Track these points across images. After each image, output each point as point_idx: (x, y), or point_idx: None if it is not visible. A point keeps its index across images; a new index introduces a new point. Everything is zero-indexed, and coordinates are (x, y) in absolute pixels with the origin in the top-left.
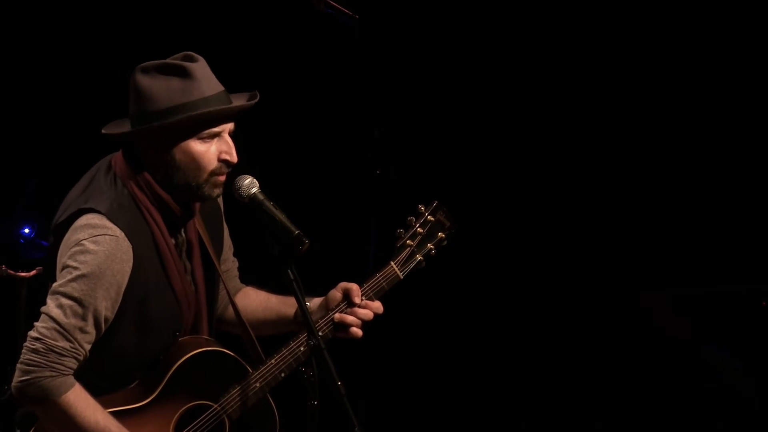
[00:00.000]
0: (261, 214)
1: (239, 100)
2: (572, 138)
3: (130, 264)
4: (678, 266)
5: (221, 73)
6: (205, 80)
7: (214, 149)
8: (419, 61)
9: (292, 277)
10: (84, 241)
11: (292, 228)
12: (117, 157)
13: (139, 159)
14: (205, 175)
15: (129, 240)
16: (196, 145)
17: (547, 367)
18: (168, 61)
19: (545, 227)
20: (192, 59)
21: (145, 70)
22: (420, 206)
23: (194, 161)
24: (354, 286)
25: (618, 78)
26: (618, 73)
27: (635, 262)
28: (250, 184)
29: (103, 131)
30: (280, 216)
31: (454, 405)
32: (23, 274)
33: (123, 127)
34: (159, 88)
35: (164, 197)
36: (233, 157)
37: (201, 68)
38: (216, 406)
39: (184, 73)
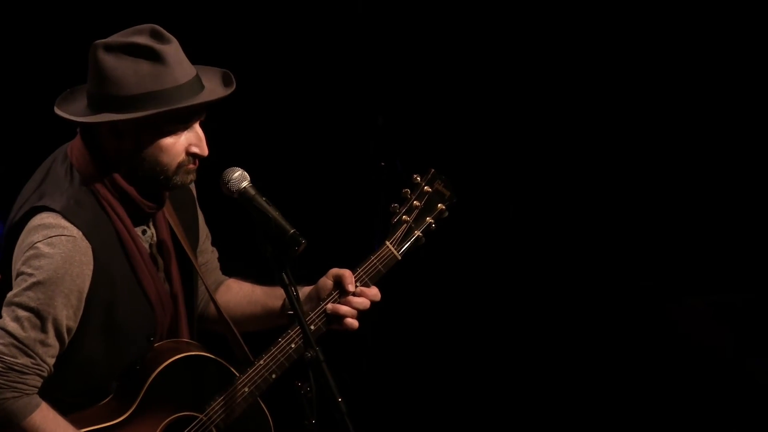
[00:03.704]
0: (252, 211)
1: (210, 81)
2: (587, 134)
3: (91, 266)
4: (716, 271)
5: (217, 56)
6: (178, 65)
7: (183, 140)
8: (425, 43)
9: (287, 281)
10: (38, 244)
11: (287, 227)
12: (74, 146)
13: (98, 147)
14: (173, 168)
15: (88, 239)
16: (165, 138)
17: (567, 374)
18: (136, 41)
19: (557, 219)
20: (162, 39)
21: (110, 49)
22: (415, 176)
23: (161, 154)
24: (346, 272)
25: (625, 74)
26: (624, 68)
27: (667, 264)
28: (239, 177)
29: (56, 111)
30: (274, 213)
31: (459, 412)
32: None
33: (79, 102)
34: (125, 72)
35: (127, 190)
36: (203, 151)
37: (173, 51)
38: (202, 416)
39: (154, 57)
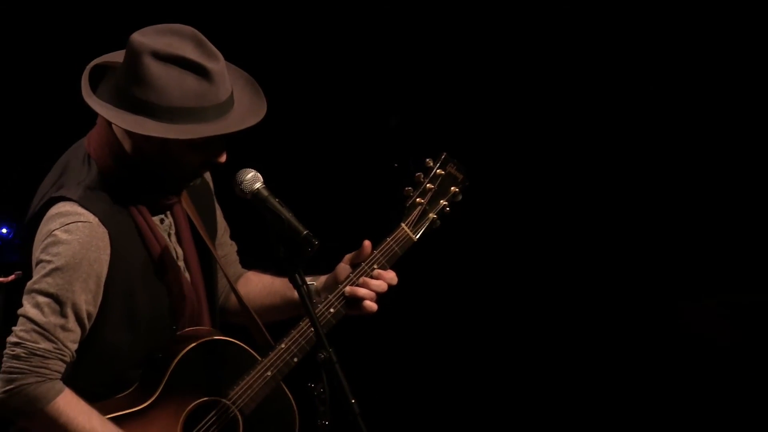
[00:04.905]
0: (265, 212)
1: (238, 89)
2: (603, 134)
3: (108, 251)
4: (729, 272)
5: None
6: (222, 84)
7: (207, 151)
8: (438, 44)
9: (299, 282)
10: (56, 232)
11: (300, 228)
12: (92, 137)
13: (120, 141)
14: (191, 172)
15: (104, 225)
16: (191, 149)
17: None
18: (187, 55)
19: (571, 219)
20: (210, 55)
21: (157, 56)
22: (428, 160)
23: (184, 161)
24: (362, 249)
25: (635, 75)
26: (635, 70)
27: (680, 264)
28: (253, 178)
29: (86, 100)
30: (287, 214)
31: (474, 413)
32: (0, 279)
33: (104, 89)
34: (170, 82)
35: (145, 182)
36: (223, 160)
37: (220, 69)
38: (225, 401)
39: (203, 74)
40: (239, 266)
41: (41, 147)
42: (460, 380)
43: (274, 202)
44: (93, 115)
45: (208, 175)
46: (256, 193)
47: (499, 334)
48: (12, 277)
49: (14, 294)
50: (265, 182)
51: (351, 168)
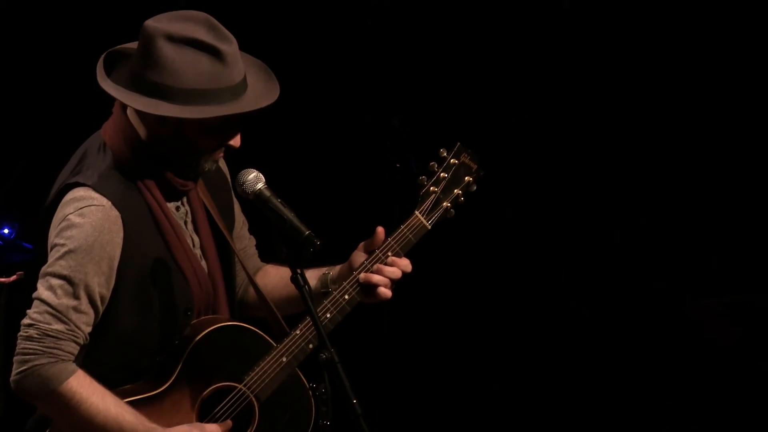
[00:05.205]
0: (268, 213)
1: (251, 75)
2: (604, 135)
3: (121, 235)
4: (731, 271)
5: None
6: (235, 65)
7: (222, 134)
8: (440, 44)
9: (301, 282)
10: (69, 216)
11: (302, 228)
12: (107, 125)
13: (134, 127)
14: (205, 156)
15: (117, 209)
16: (206, 132)
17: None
18: (199, 37)
19: (573, 220)
20: (223, 37)
21: (171, 39)
22: (441, 150)
23: (198, 144)
24: (375, 236)
25: (639, 74)
26: (637, 69)
27: (681, 265)
28: (255, 179)
29: (101, 84)
30: (289, 215)
31: (479, 415)
32: (2, 279)
33: (119, 75)
34: (184, 65)
35: (159, 168)
36: (238, 143)
37: (233, 51)
38: (240, 386)
39: (216, 55)
40: (258, 260)
41: (43, 148)
42: (463, 380)
43: (276, 202)
44: (97, 115)
45: (225, 169)
46: (259, 194)
47: (501, 333)
48: (14, 277)
49: (16, 294)
50: (267, 182)
51: (353, 168)
